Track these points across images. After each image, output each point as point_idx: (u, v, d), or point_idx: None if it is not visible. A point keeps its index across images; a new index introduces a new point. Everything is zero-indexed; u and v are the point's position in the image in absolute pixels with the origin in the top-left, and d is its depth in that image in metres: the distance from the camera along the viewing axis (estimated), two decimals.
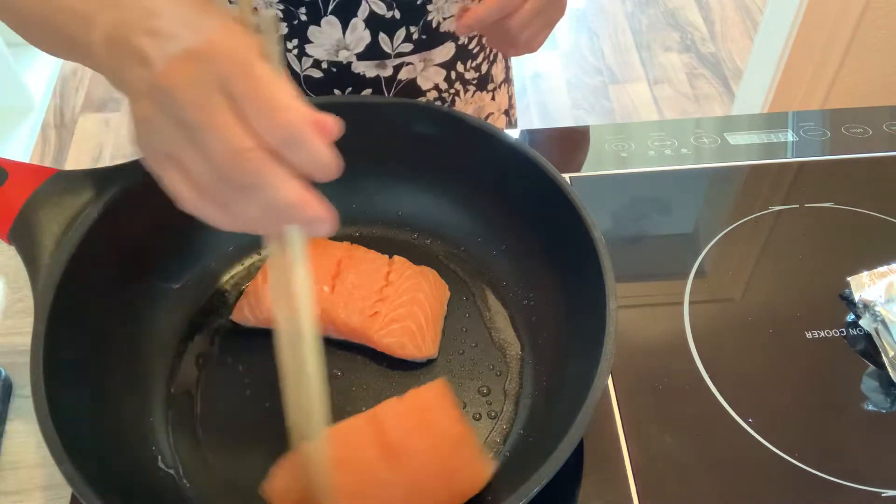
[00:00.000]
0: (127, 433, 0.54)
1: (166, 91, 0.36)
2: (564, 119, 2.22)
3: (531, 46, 0.58)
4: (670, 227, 0.73)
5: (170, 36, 0.37)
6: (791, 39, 1.64)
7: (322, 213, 0.38)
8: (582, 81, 2.32)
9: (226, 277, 0.66)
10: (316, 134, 0.36)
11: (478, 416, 0.57)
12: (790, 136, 0.80)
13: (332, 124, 0.37)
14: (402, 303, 0.60)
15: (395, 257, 0.63)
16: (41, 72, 2.25)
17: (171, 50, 0.36)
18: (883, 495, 0.54)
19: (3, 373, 0.60)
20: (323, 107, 0.66)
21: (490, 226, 0.67)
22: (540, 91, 2.30)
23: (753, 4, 2.54)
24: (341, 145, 0.69)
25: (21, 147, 2.08)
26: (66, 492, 0.55)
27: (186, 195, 0.38)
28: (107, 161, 2.07)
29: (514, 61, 2.65)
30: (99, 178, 0.58)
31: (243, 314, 0.61)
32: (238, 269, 0.67)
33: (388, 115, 0.65)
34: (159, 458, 0.54)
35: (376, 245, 0.67)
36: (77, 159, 2.09)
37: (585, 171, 0.77)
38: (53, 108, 2.23)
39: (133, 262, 0.60)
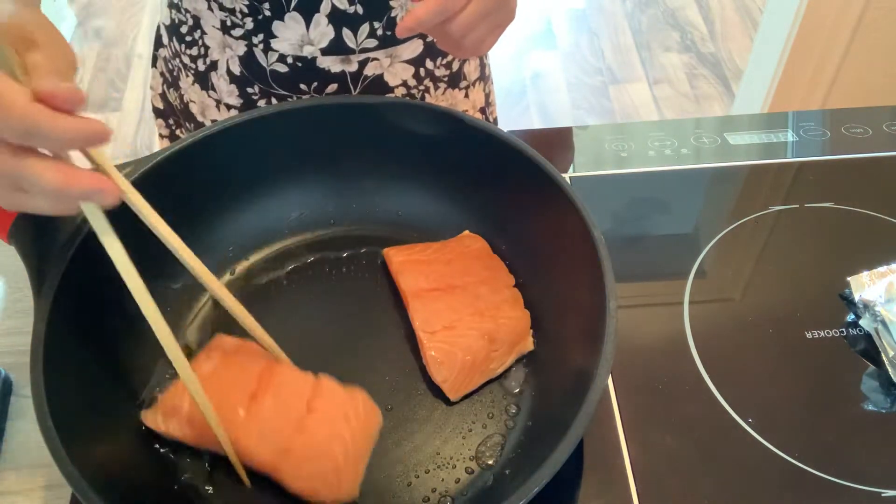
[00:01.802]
0: (127, 433, 0.54)
1: None
2: (564, 119, 2.22)
3: (479, 50, 0.57)
4: (670, 227, 0.73)
5: None
6: (791, 39, 1.64)
7: (94, 184, 0.43)
8: (582, 81, 2.32)
9: (225, 278, 0.66)
10: (51, 118, 0.39)
11: (477, 416, 0.57)
12: (790, 136, 0.80)
13: (66, 94, 0.40)
14: (321, 438, 0.53)
15: (323, 378, 0.55)
16: None
17: None
18: (883, 495, 0.54)
19: (3, 373, 0.60)
20: (324, 107, 0.67)
21: (490, 226, 0.67)
22: (540, 91, 2.30)
23: (753, 4, 2.54)
24: (342, 145, 0.69)
25: None
26: (66, 492, 0.55)
27: None
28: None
29: (513, 61, 2.63)
30: None
31: (156, 422, 0.55)
32: (236, 269, 0.67)
33: (388, 115, 0.65)
34: (160, 457, 0.54)
35: (377, 245, 0.67)
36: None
37: (585, 171, 0.77)
38: None
39: (133, 262, 0.60)
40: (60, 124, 0.40)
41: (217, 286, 0.54)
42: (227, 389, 0.54)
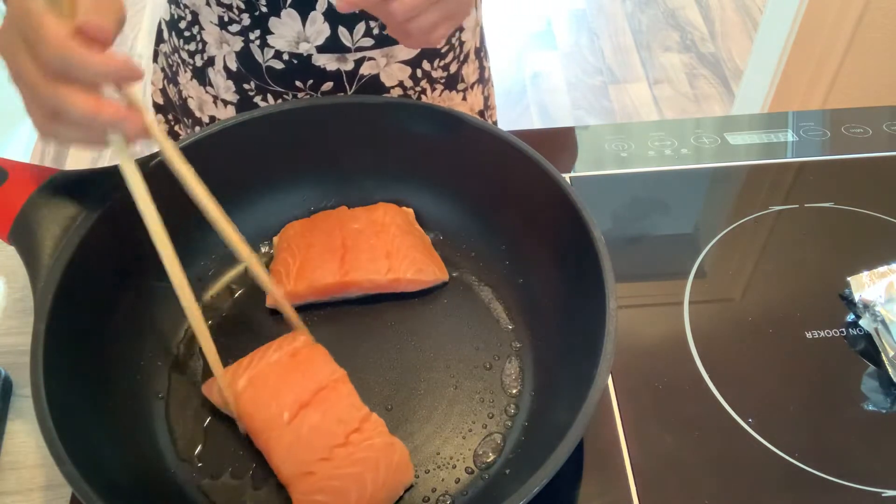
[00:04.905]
0: (127, 433, 0.54)
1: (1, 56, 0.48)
2: (564, 119, 2.22)
3: (428, 39, 0.55)
4: (670, 227, 0.73)
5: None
6: (791, 39, 1.64)
7: (120, 113, 0.46)
8: (582, 81, 2.32)
9: (224, 277, 0.66)
10: (84, 51, 0.44)
11: (477, 416, 0.57)
12: (790, 136, 0.80)
13: (96, 27, 0.44)
14: (343, 475, 0.51)
15: (373, 415, 0.54)
16: None
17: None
18: (883, 495, 0.54)
19: (3, 373, 0.60)
20: (324, 107, 0.67)
21: (490, 225, 0.67)
22: (540, 91, 2.30)
23: (753, 4, 2.54)
24: (342, 145, 0.69)
25: (21, 147, 2.08)
26: (66, 492, 0.55)
27: (35, 121, 0.49)
28: (107, 161, 2.07)
29: (513, 61, 2.62)
30: (99, 178, 0.58)
31: (211, 394, 0.57)
32: (236, 269, 0.67)
33: (389, 115, 0.65)
34: (159, 457, 0.54)
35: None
36: (77, 159, 2.09)
37: (585, 171, 0.77)
38: None
39: (133, 262, 0.60)
40: (93, 58, 0.44)
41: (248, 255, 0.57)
42: (282, 389, 0.54)
